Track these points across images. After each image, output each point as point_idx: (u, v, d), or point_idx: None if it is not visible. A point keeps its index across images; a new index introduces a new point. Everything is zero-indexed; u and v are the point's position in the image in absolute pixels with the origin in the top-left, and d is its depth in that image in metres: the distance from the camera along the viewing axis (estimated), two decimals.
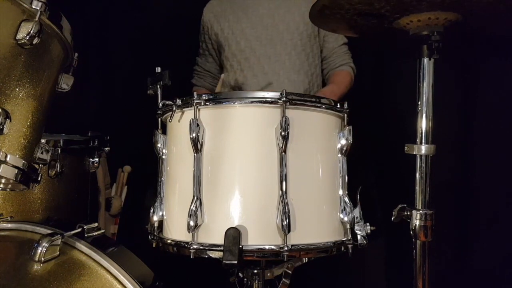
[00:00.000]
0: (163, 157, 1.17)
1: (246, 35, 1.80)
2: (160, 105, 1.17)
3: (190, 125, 1.04)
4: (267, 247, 1.02)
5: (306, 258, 1.16)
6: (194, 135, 1.04)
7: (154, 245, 1.14)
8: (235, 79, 1.81)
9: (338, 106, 1.13)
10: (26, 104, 0.87)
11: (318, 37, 1.86)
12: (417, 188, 1.10)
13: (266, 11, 1.81)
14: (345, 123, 1.14)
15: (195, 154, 1.05)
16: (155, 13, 2.17)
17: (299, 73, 1.78)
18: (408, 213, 1.10)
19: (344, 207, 1.10)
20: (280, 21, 1.79)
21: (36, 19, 0.82)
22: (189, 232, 1.03)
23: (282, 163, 1.02)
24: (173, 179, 1.14)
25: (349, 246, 1.10)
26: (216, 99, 1.08)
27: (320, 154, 1.10)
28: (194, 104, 1.06)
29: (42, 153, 0.96)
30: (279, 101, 1.03)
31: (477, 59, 1.89)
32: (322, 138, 1.11)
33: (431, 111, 1.09)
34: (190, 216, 1.02)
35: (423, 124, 1.09)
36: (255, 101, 1.06)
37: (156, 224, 1.15)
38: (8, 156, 0.85)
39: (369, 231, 1.12)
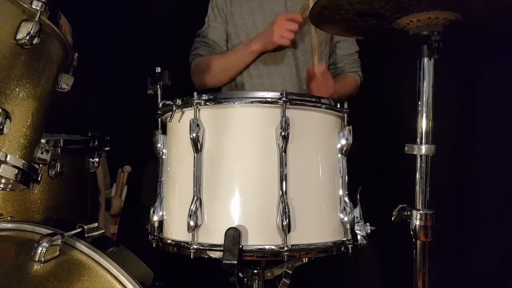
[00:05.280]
0: (163, 157, 1.17)
1: (257, 30, 1.74)
2: (160, 105, 1.17)
3: (190, 125, 1.04)
4: (267, 247, 1.02)
5: (306, 258, 1.16)
6: (194, 135, 1.04)
7: (154, 245, 1.14)
8: (240, 74, 1.77)
9: (338, 106, 1.13)
10: (26, 104, 0.87)
11: (329, 43, 1.83)
12: (417, 188, 1.10)
13: (281, 9, 1.75)
14: (345, 123, 1.14)
15: (195, 154, 1.05)
16: (155, 13, 2.17)
17: (305, 79, 1.74)
18: (408, 213, 1.10)
19: (344, 207, 1.10)
20: None
21: (36, 19, 0.82)
22: (189, 232, 1.03)
23: (282, 163, 1.02)
24: (173, 179, 1.14)
25: (349, 246, 1.10)
26: (216, 99, 1.08)
27: (320, 154, 1.10)
28: (194, 104, 1.06)
29: (42, 153, 0.96)
30: (279, 101, 1.03)
31: (477, 59, 1.90)
32: (322, 138, 1.11)
33: (431, 111, 1.08)
34: (190, 216, 1.02)
35: (423, 124, 1.09)
36: (255, 101, 1.06)
37: (156, 224, 1.15)
38: (8, 156, 0.85)
39: (369, 231, 1.12)
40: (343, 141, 1.12)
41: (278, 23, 1.60)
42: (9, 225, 1.02)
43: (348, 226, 1.10)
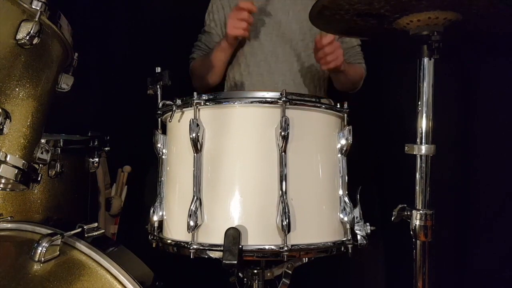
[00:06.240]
0: (163, 157, 1.17)
1: (257, 31, 1.74)
2: (160, 105, 1.17)
3: (190, 125, 1.04)
4: (267, 247, 1.02)
5: (306, 258, 1.16)
6: (194, 135, 1.04)
7: (154, 245, 1.14)
8: (240, 73, 1.77)
9: (338, 106, 1.13)
10: (26, 104, 0.87)
11: None
12: (417, 188, 1.10)
13: (281, 6, 1.75)
14: (345, 123, 1.14)
15: (195, 154, 1.05)
16: (155, 13, 2.17)
17: (306, 77, 1.75)
18: (408, 213, 1.10)
19: (344, 207, 1.10)
20: (294, 19, 1.74)
21: (36, 19, 0.82)
22: (189, 232, 1.03)
23: (282, 163, 1.02)
24: (173, 179, 1.14)
25: (349, 246, 1.10)
26: (216, 99, 1.08)
27: (320, 154, 1.10)
28: (194, 104, 1.06)
29: (42, 153, 0.96)
30: (279, 101, 1.03)
31: (477, 59, 1.90)
32: (322, 138, 1.11)
33: (431, 111, 1.08)
34: (190, 216, 1.02)
35: (423, 124, 1.08)
36: (255, 101, 1.06)
37: (156, 224, 1.14)
38: (8, 156, 0.85)
39: (369, 231, 1.12)
40: (343, 141, 1.12)
41: (230, 15, 1.63)
42: (9, 225, 1.02)
43: (348, 226, 1.10)
